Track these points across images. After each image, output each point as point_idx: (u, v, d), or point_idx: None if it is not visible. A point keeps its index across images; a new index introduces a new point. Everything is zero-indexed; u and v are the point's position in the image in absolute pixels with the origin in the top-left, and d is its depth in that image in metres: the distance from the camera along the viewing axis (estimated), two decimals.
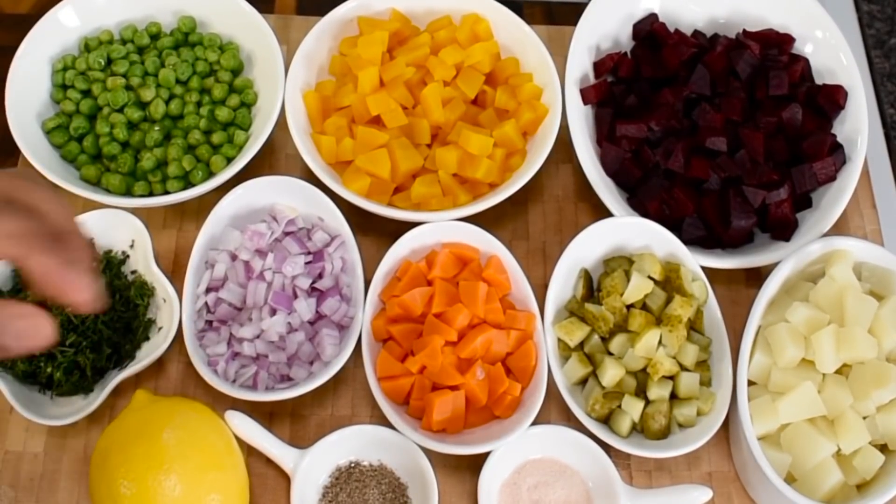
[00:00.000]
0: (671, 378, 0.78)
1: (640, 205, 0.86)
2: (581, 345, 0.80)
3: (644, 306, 0.80)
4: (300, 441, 0.80)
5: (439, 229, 0.82)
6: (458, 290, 0.80)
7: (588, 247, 0.83)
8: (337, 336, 0.79)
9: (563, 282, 0.82)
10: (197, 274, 0.81)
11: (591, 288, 0.84)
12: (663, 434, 0.78)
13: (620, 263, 0.82)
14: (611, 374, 0.78)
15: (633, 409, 0.77)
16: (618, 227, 0.83)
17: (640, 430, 0.79)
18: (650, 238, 0.83)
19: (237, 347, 0.79)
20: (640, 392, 0.79)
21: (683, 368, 0.79)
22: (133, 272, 0.83)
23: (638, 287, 0.79)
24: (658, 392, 0.78)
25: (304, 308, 0.79)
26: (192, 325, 0.79)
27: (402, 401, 0.78)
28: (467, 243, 0.83)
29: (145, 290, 0.82)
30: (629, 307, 0.80)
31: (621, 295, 0.80)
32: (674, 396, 0.79)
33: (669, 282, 0.81)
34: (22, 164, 0.90)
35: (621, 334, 0.79)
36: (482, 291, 0.79)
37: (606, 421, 0.78)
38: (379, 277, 0.81)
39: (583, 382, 0.80)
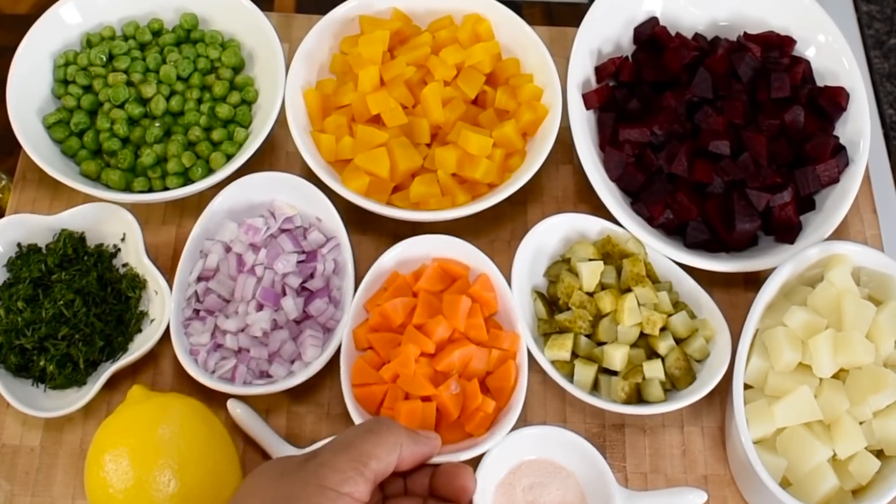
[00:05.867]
0: (664, 330, 0.81)
1: (644, 209, 0.86)
2: (574, 353, 0.81)
3: (603, 288, 0.82)
4: (295, 437, 0.80)
5: (431, 243, 0.81)
6: (441, 303, 0.78)
7: (526, 269, 0.83)
8: (320, 338, 0.79)
9: (525, 309, 0.82)
10: (190, 262, 0.81)
11: (550, 302, 0.84)
12: (692, 377, 0.80)
13: (560, 267, 0.84)
14: (618, 356, 0.79)
15: (655, 371, 0.79)
16: (538, 236, 0.84)
17: (671, 386, 0.80)
18: (569, 230, 0.85)
19: (220, 339, 0.79)
20: (652, 355, 0.81)
21: (670, 315, 0.81)
22: (124, 265, 0.84)
23: (590, 272, 0.81)
24: (666, 343, 0.80)
25: (291, 306, 0.79)
26: (179, 313, 0.79)
27: (375, 410, 0.76)
28: (458, 259, 0.81)
29: (137, 283, 0.82)
30: (591, 295, 0.82)
31: (580, 289, 0.81)
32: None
33: (609, 255, 0.83)
34: (23, 158, 0.90)
35: (602, 321, 0.81)
36: (465, 305, 0.77)
37: (640, 398, 0.79)
38: (366, 287, 0.80)
39: (594, 385, 0.81)
